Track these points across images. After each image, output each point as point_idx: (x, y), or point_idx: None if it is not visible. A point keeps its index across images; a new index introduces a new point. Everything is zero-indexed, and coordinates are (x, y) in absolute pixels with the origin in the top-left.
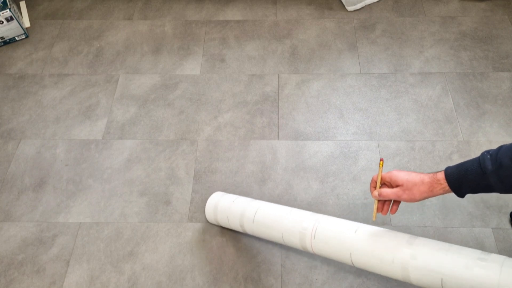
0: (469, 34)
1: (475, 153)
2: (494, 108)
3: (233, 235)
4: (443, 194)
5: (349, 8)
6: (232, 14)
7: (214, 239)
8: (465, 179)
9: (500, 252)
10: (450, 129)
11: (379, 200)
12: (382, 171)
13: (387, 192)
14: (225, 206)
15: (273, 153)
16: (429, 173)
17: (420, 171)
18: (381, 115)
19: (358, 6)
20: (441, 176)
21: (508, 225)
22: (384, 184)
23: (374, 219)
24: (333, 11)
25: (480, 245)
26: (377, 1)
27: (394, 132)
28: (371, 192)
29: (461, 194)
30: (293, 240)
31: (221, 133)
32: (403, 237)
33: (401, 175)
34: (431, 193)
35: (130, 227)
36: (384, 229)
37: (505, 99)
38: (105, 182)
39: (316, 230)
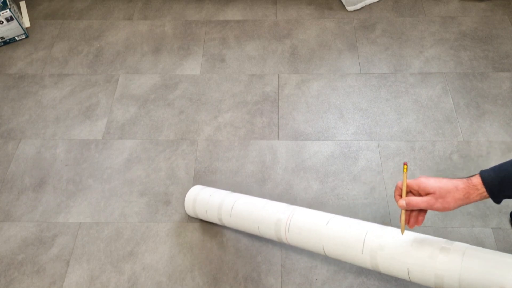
0: (469, 34)
1: (475, 153)
2: (494, 108)
3: (233, 235)
4: (479, 200)
5: (349, 8)
6: (232, 14)
7: (214, 239)
8: (505, 183)
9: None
10: (450, 129)
11: (406, 210)
12: (407, 176)
13: (417, 201)
14: (204, 200)
15: (273, 153)
16: (461, 178)
17: (420, 171)
18: (381, 115)
19: (358, 6)
20: (477, 181)
21: (508, 225)
22: (410, 192)
23: (402, 233)
24: (333, 11)
25: (480, 245)
26: (377, 1)
27: (394, 132)
28: (397, 201)
29: (499, 200)
30: (268, 232)
31: (221, 133)
32: (374, 228)
33: (431, 182)
34: (466, 200)
35: (130, 227)
36: (355, 219)
37: (505, 99)
38: (105, 182)
39: (290, 222)
